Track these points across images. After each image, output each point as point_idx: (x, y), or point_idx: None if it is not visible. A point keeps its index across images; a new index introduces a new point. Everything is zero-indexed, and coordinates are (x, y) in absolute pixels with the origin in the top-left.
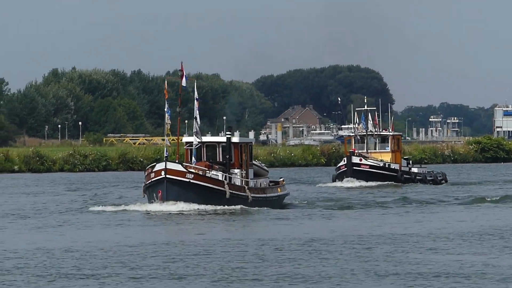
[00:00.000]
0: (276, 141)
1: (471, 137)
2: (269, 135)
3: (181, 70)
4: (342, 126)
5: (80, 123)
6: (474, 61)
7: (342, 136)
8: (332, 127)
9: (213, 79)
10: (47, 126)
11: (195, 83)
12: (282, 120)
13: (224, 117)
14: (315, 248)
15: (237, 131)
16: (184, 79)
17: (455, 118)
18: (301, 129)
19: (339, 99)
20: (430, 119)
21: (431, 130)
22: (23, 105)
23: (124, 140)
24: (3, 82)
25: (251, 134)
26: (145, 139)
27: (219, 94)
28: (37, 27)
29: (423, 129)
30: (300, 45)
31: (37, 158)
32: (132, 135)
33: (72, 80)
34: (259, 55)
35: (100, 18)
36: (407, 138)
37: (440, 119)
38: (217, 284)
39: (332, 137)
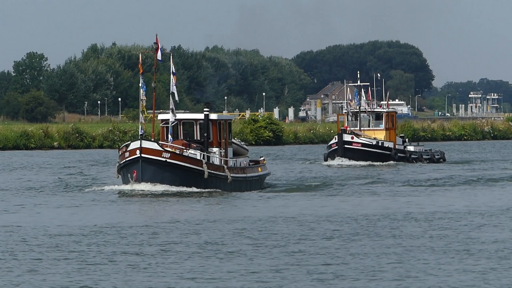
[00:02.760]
0: (315, 117)
1: (511, 114)
2: (308, 112)
3: (156, 43)
4: (382, 102)
5: (119, 99)
6: None
7: None
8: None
9: (252, 55)
10: (86, 102)
11: (171, 57)
12: (322, 96)
13: (264, 93)
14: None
15: (276, 107)
16: (159, 52)
17: (495, 94)
18: (340, 105)
19: (379, 75)
20: (469, 95)
21: (471, 106)
22: (63, 81)
23: None
24: (42, 57)
25: (291, 111)
26: None
27: (259, 70)
28: (76, 2)
29: (463, 105)
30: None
31: (77, 135)
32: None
33: (111, 55)
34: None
35: None
36: (447, 114)
37: (480, 95)
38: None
39: None
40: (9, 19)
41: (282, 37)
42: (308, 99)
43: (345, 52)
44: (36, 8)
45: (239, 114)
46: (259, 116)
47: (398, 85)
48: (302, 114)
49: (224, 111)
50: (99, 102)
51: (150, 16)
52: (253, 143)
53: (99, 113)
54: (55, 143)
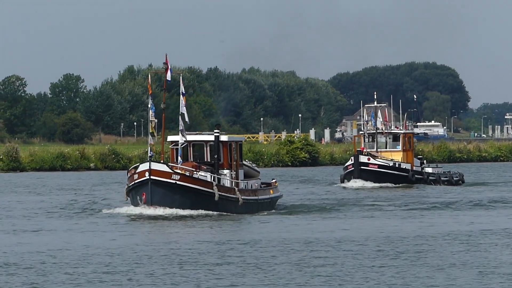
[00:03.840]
0: (351, 138)
1: None
2: (344, 133)
3: (166, 63)
4: (418, 124)
5: (156, 120)
6: None
7: (418, 133)
8: (408, 125)
9: (289, 76)
10: (122, 124)
11: (181, 77)
12: (358, 117)
13: (300, 115)
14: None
15: (313, 129)
16: (168, 72)
17: None
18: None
19: (415, 97)
20: (505, 116)
21: (507, 127)
22: (99, 102)
23: None
24: (79, 79)
25: (327, 132)
26: None
27: (295, 91)
28: (112, 25)
29: (499, 126)
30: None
31: (113, 156)
32: (208, 132)
33: (148, 77)
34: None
35: (176, 17)
36: (483, 135)
37: None
38: None
39: None
40: (46, 41)
41: (319, 59)
42: (344, 121)
43: (382, 73)
44: (72, 30)
45: (275, 136)
46: (295, 137)
47: (434, 106)
48: (338, 135)
49: (260, 133)
50: (135, 123)
51: (185, 38)
52: (289, 164)
53: (135, 134)
54: (91, 164)
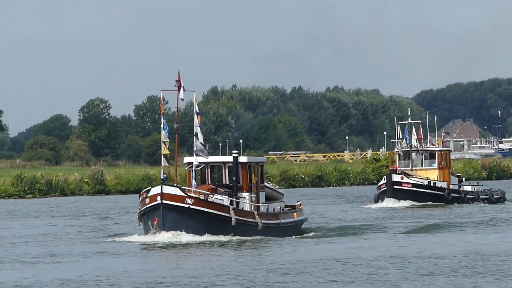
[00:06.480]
0: None
1: None
2: None
3: (178, 80)
4: (503, 139)
5: (241, 140)
6: None
7: (503, 149)
8: (493, 141)
9: (373, 95)
10: (208, 145)
11: (194, 96)
12: (443, 134)
13: (385, 132)
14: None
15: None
16: (181, 90)
17: None
18: (461, 143)
19: (499, 112)
20: None
21: None
22: (184, 123)
23: (285, 157)
24: (163, 101)
25: None
26: (306, 156)
27: (379, 109)
28: (194, 46)
29: None
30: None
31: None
32: (293, 152)
33: (232, 97)
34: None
35: (259, 36)
36: None
37: None
38: None
39: (493, 151)
40: (129, 64)
41: (402, 76)
42: (429, 137)
43: (465, 90)
44: (153, 53)
45: (361, 154)
46: (381, 155)
47: None
48: None
49: (345, 151)
50: (220, 144)
51: (270, 57)
52: (375, 182)
53: (220, 154)
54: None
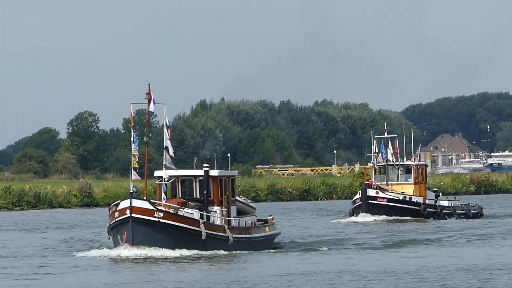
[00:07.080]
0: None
1: None
2: None
3: (149, 93)
4: (492, 154)
5: (228, 154)
6: None
7: (492, 164)
8: (482, 155)
9: (361, 109)
10: (195, 158)
11: (164, 109)
12: (431, 148)
13: (373, 147)
14: None
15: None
16: (152, 103)
17: None
18: (450, 157)
19: (488, 127)
20: None
21: None
22: (172, 137)
23: (273, 171)
24: (151, 115)
25: None
26: (294, 170)
27: (368, 123)
28: (183, 59)
29: None
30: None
31: None
32: (280, 166)
33: (220, 111)
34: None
35: (248, 52)
36: None
37: None
38: None
39: (482, 165)
40: (118, 78)
41: (392, 90)
42: (418, 152)
43: (455, 104)
44: (142, 67)
45: (349, 168)
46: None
47: (508, 136)
48: None
49: (333, 165)
50: (208, 157)
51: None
52: None
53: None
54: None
